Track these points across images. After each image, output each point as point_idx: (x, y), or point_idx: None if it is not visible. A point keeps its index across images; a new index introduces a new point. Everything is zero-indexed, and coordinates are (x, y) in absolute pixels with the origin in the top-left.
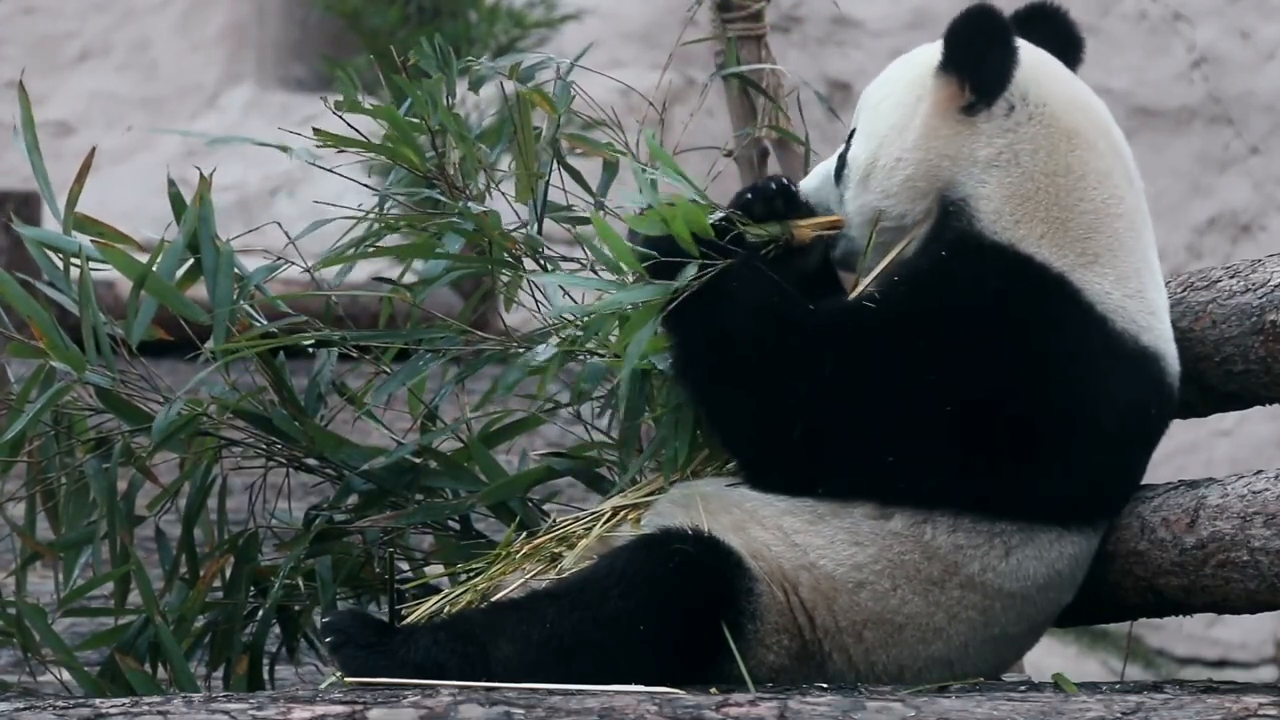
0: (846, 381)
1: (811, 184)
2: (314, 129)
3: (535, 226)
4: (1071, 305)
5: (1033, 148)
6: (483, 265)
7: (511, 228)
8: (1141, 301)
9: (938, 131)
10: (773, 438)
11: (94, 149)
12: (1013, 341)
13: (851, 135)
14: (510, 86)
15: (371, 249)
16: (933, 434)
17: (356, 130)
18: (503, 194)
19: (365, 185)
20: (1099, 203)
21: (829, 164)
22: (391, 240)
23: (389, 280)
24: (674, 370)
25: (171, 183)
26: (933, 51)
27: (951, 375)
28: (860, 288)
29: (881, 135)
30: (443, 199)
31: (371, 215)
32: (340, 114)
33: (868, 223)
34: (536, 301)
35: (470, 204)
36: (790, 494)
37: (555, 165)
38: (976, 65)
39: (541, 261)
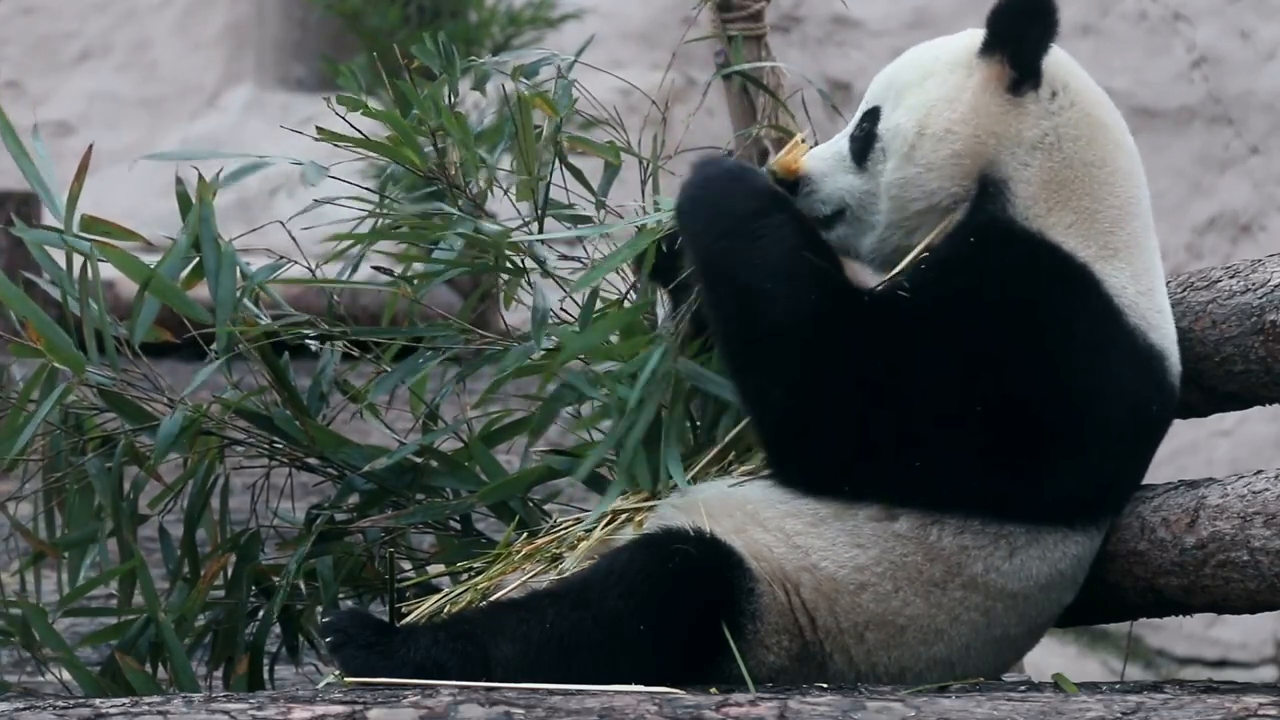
0: (875, 373)
1: (817, 168)
2: (317, 127)
3: (537, 226)
4: (1094, 296)
5: (1075, 133)
6: (484, 268)
7: (513, 226)
8: (1152, 300)
9: (986, 108)
10: (802, 423)
11: (90, 147)
12: (1034, 327)
13: (863, 118)
14: (511, 86)
15: (377, 236)
16: (954, 428)
17: (359, 130)
18: (504, 189)
19: (360, 198)
20: (1125, 199)
21: (832, 147)
22: (392, 242)
23: (389, 271)
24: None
25: (179, 181)
26: (967, 37)
27: (975, 366)
28: (893, 274)
29: (929, 106)
30: (444, 200)
31: (374, 207)
32: (342, 115)
33: (899, 201)
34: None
35: (470, 211)
36: (811, 490)
37: (558, 164)
38: (1017, 40)
39: (541, 261)
